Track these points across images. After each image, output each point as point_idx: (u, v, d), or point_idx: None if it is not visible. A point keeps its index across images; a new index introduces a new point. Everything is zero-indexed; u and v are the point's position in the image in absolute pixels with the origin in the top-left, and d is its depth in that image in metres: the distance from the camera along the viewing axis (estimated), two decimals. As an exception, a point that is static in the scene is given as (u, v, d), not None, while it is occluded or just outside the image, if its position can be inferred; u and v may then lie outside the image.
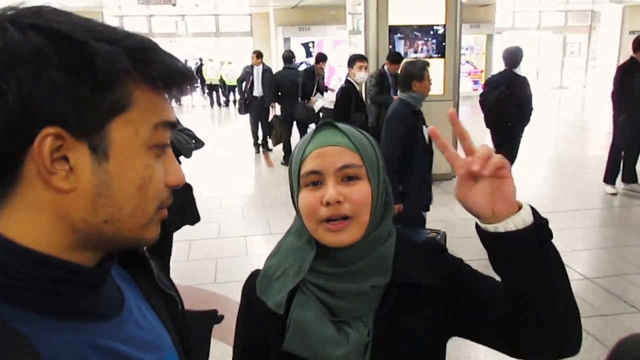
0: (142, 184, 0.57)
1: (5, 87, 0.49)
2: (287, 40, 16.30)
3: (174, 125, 0.62)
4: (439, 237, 3.34)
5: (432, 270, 0.95)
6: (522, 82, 5.20)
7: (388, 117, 3.59)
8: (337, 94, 5.94)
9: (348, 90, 5.77)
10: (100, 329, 0.58)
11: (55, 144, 0.51)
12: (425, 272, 0.94)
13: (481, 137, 5.21)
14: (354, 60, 5.79)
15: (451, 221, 5.26)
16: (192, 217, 3.24)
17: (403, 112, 3.48)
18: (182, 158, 2.82)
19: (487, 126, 5.58)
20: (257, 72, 8.62)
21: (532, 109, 5.20)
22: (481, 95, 5.43)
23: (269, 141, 8.92)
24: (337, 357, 0.88)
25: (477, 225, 0.83)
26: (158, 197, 0.60)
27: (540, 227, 0.78)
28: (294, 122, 7.94)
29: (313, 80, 7.67)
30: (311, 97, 7.54)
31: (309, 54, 16.14)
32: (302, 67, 9.53)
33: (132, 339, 0.61)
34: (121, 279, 0.68)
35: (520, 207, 0.79)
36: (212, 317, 0.81)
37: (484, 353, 3.02)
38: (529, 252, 0.77)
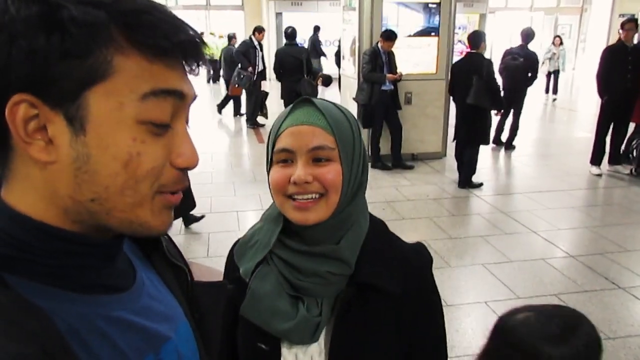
0: (129, 159, 0.52)
1: None
2: (279, 15, 16.07)
3: (180, 95, 0.55)
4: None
5: (403, 277, 0.92)
6: (532, 55, 7.13)
7: None
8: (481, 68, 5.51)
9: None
10: (113, 301, 0.57)
11: (30, 112, 0.49)
12: (393, 276, 0.92)
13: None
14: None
15: (441, 199, 5.34)
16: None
17: None
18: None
19: (504, 87, 6.83)
20: (259, 47, 8.62)
21: (536, 76, 7.28)
22: (502, 63, 7.25)
23: (260, 117, 8.92)
24: (283, 329, 0.90)
25: None
26: (154, 176, 0.54)
27: None
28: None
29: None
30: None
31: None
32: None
33: (146, 310, 0.61)
34: (131, 252, 0.67)
35: None
36: (222, 288, 0.80)
37: (472, 327, 3.12)
38: None
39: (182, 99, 0.55)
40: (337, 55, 9.54)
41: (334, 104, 0.93)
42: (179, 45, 0.53)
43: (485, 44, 5.77)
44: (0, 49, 0.47)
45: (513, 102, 7.17)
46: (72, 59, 0.48)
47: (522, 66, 6.96)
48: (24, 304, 0.47)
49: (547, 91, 12.91)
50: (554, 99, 12.48)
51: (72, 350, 0.48)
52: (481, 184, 5.75)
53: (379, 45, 6.09)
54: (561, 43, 12.95)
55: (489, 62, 5.55)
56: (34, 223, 0.52)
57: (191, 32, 0.55)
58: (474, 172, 5.75)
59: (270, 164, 0.93)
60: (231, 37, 11.21)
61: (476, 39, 5.69)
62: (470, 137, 5.61)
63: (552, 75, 12.76)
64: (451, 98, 6.06)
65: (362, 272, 0.91)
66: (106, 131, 0.51)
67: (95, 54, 0.49)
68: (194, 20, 17.70)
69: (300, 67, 7.70)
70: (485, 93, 5.35)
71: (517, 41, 7.34)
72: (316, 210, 0.88)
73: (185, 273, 0.75)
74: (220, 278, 0.98)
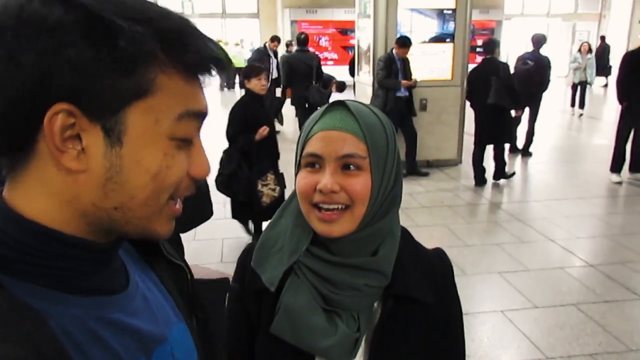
0: (158, 172, 0.54)
1: (24, 58, 0.47)
2: (293, 22, 16.16)
3: (204, 115, 0.57)
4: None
5: (433, 286, 0.92)
6: (544, 60, 7.16)
7: None
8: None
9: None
10: (108, 303, 0.57)
11: (68, 122, 0.49)
12: (425, 285, 0.91)
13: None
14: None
15: (457, 207, 5.28)
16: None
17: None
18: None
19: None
20: (274, 55, 8.77)
21: (549, 80, 7.28)
22: (515, 68, 7.20)
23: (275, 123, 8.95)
24: (323, 348, 0.85)
25: None
26: (174, 186, 0.57)
27: None
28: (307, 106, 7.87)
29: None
30: None
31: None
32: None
33: (140, 312, 0.61)
34: (125, 253, 0.66)
35: None
36: (225, 284, 0.79)
37: (487, 336, 3.06)
38: None
39: (204, 117, 0.58)
40: (351, 63, 9.51)
41: (370, 108, 0.89)
42: (213, 67, 0.55)
43: (499, 50, 6.10)
44: (45, 55, 0.47)
45: (527, 106, 7.20)
46: (119, 75, 0.49)
47: (532, 71, 7.05)
48: (18, 305, 0.46)
49: (572, 105, 11.52)
50: (580, 114, 11.19)
51: (66, 352, 0.48)
52: (513, 173, 6.25)
53: (394, 51, 6.07)
54: (590, 51, 11.34)
55: (505, 64, 5.90)
56: (33, 225, 0.51)
57: (220, 53, 0.56)
58: (505, 164, 6.06)
59: (298, 167, 0.89)
60: (288, 44, 11.19)
61: (490, 45, 6.03)
62: (495, 137, 5.84)
63: (579, 87, 11.18)
64: (468, 104, 6.19)
65: (398, 283, 0.88)
66: (141, 145, 0.52)
67: (140, 71, 0.50)
68: (210, 28, 17.87)
69: (310, 73, 7.67)
70: (505, 92, 5.61)
71: (531, 48, 7.35)
72: (341, 223, 0.85)
73: (184, 271, 0.75)
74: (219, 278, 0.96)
